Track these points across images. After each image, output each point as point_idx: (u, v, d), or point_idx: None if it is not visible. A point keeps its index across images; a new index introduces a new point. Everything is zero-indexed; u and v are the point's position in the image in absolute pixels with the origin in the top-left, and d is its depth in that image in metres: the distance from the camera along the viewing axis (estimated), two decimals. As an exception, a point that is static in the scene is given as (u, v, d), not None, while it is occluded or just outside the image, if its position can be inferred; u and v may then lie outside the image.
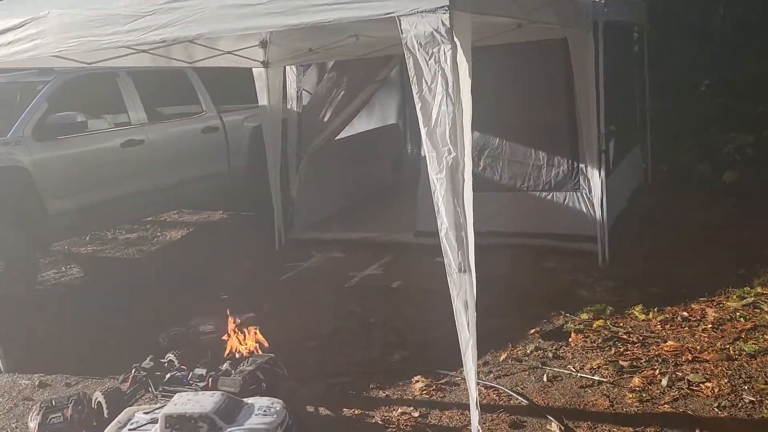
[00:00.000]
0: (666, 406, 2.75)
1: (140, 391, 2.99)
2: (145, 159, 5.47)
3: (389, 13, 2.25)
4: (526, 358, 3.29)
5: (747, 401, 2.75)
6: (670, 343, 3.35)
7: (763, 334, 3.35)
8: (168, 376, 2.93)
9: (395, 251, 5.13)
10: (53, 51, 2.78)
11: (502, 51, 4.54)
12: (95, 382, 3.32)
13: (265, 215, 5.65)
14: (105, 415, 2.71)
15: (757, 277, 4.09)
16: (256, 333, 3.11)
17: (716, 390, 2.84)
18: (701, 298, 3.85)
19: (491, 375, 3.14)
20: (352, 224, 5.74)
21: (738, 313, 3.62)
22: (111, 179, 5.21)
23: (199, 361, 3.04)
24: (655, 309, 3.73)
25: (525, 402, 2.86)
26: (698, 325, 3.55)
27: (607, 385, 2.98)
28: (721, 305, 3.76)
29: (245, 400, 2.50)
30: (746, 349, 3.19)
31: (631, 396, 2.85)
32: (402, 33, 2.25)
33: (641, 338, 3.43)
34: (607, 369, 3.11)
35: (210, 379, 2.83)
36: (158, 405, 2.64)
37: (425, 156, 2.31)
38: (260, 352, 3.05)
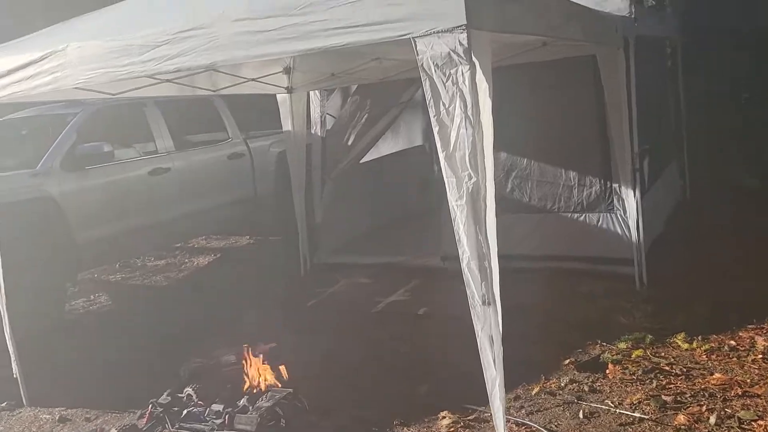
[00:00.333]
0: (715, 446, 2.55)
1: (157, 428, 2.91)
2: (172, 186, 5.51)
3: (404, 35, 2.17)
4: (560, 392, 3.10)
5: (805, 442, 2.52)
6: (717, 375, 3.11)
7: (820, 366, 3.11)
8: (185, 412, 2.85)
9: (422, 276, 5.01)
10: (73, 83, 2.80)
11: (530, 69, 4.43)
12: (114, 416, 3.26)
13: (292, 240, 5.62)
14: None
15: (811, 301, 3.83)
16: (275, 367, 3.01)
17: (770, 429, 2.61)
18: (749, 325, 3.60)
19: (523, 411, 2.96)
20: (378, 248, 5.65)
21: (791, 342, 3.37)
22: (138, 207, 5.25)
23: (218, 395, 2.96)
24: (699, 337, 3.50)
25: (559, 441, 2.69)
26: (747, 354, 3.30)
27: (650, 422, 2.76)
28: (771, 333, 3.51)
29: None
30: (802, 383, 2.95)
31: (675, 435, 2.64)
32: (418, 54, 2.17)
33: (685, 370, 3.20)
34: (648, 404, 2.90)
35: (227, 417, 2.73)
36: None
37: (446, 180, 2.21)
38: (279, 386, 2.95)
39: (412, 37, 2.16)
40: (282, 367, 3.09)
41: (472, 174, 2.14)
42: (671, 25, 6.17)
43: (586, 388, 3.11)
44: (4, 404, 3.50)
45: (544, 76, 4.65)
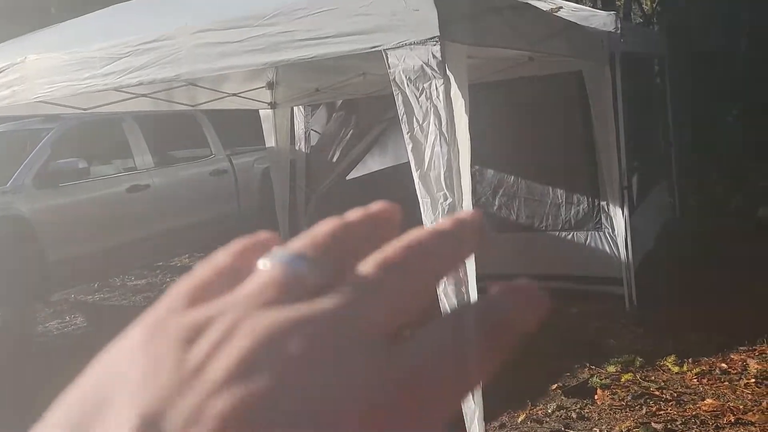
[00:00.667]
0: (707, 480, 2.41)
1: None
2: (152, 204, 5.37)
3: (375, 47, 2.07)
4: (547, 420, 2.96)
5: (802, 474, 2.39)
6: (708, 401, 2.98)
7: (815, 391, 2.98)
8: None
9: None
10: (32, 97, 2.67)
11: (516, 85, 4.35)
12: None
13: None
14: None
15: (804, 322, 3.71)
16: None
17: (765, 460, 2.48)
18: (741, 347, 3.48)
19: (507, 440, 2.82)
20: (364, 267, 5.51)
21: (784, 366, 3.26)
22: (116, 225, 5.10)
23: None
24: (690, 360, 3.37)
25: (544, 474, 2.55)
26: (739, 379, 3.18)
27: (638, 453, 2.64)
28: (763, 356, 3.38)
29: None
30: (797, 409, 2.83)
31: (665, 467, 2.51)
32: (389, 68, 2.06)
33: (675, 395, 3.07)
34: (637, 433, 2.77)
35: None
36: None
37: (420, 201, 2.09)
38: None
39: (384, 50, 2.06)
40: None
41: (448, 194, 2.03)
42: (658, 42, 6.14)
43: (574, 415, 2.98)
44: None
45: (532, 92, 4.57)
